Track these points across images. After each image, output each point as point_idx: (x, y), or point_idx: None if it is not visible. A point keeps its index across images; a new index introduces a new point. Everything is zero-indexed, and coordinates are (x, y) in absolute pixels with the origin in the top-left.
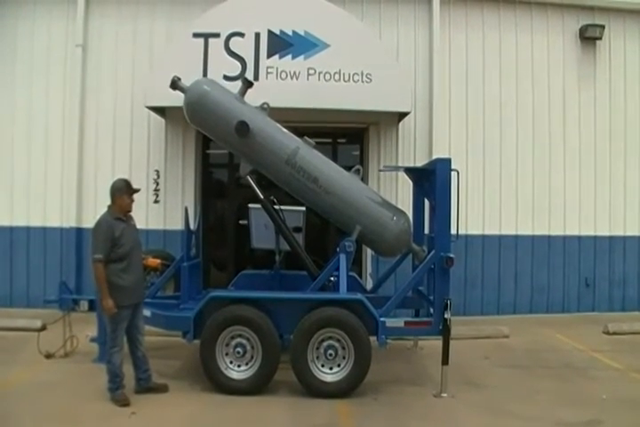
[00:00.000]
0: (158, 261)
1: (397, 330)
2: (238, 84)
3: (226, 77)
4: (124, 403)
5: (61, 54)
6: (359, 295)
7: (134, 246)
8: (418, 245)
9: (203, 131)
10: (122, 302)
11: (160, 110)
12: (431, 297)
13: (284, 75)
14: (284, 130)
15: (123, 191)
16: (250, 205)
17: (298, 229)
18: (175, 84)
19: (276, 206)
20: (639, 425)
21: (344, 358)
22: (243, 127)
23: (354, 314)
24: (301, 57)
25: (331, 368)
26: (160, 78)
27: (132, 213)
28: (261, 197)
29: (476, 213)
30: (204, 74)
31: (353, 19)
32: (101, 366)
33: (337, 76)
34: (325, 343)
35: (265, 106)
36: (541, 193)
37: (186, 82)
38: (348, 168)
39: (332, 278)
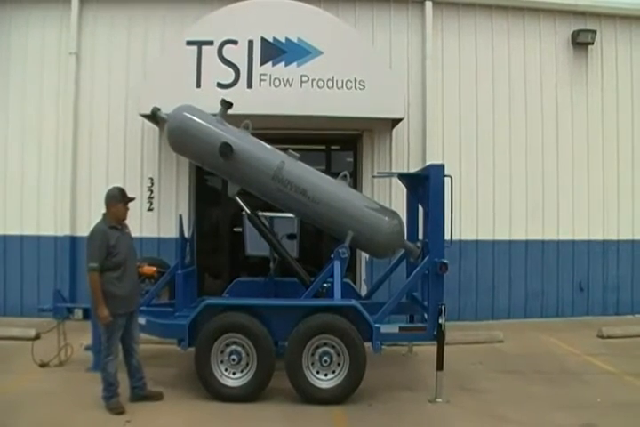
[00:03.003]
0: (154, 268)
1: (392, 336)
2: (232, 91)
3: (219, 85)
4: (118, 411)
5: (55, 62)
6: (353, 302)
7: (129, 255)
8: (412, 243)
9: (187, 157)
10: (117, 311)
11: (154, 118)
12: (425, 303)
13: (277, 82)
14: (268, 146)
15: (117, 200)
16: (244, 213)
17: (292, 236)
18: (155, 115)
19: (271, 214)
20: None
21: (339, 364)
22: (226, 149)
23: (348, 320)
24: (294, 64)
25: (326, 375)
26: (154, 86)
27: (127, 221)
28: (248, 212)
29: (470, 218)
30: (198, 81)
31: (346, 26)
32: (96, 375)
33: (330, 83)
34: (320, 350)
35: (247, 125)
36: (535, 198)
37: (181, 90)
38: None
39: (324, 285)
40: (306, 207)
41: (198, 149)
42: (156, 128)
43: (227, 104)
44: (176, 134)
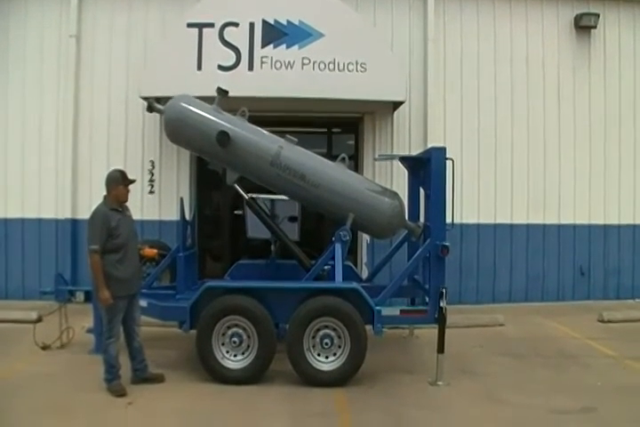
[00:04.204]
0: (155, 251)
1: (393, 319)
2: (233, 74)
3: (220, 67)
4: (120, 393)
5: (55, 45)
6: (355, 284)
7: (130, 237)
8: (413, 222)
9: (185, 147)
10: (118, 293)
11: (155, 100)
12: (427, 286)
13: (278, 64)
14: (265, 132)
15: (118, 182)
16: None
17: (294, 219)
18: (152, 107)
19: (273, 196)
20: (633, 412)
21: (340, 346)
22: (223, 137)
23: (349, 303)
24: (296, 46)
25: (327, 357)
26: (154, 69)
27: (128, 204)
28: (247, 197)
29: (471, 201)
30: (199, 64)
31: (347, 8)
32: (98, 357)
33: (331, 66)
34: (321, 332)
35: (243, 112)
36: (536, 182)
37: (181, 72)
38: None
39: (325, 267)
40: (306, 192)
41: (196, 138)
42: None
43: (223, 92)
44: (173, 125)
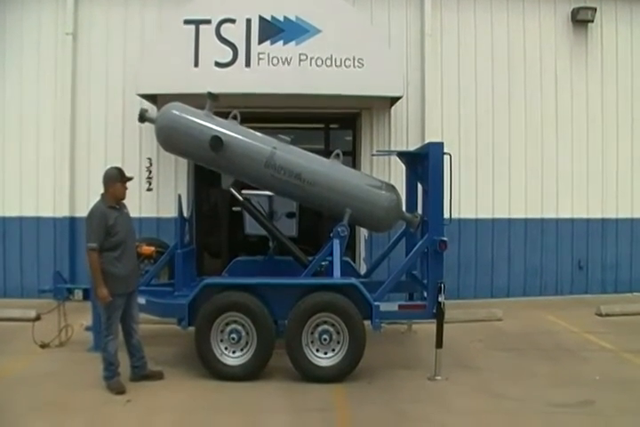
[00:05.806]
0: (152, 248)
1: (391, 314)
2: (230, 70)
3: (217, 64)
4: (119, 391)
5: (51, 43)
6: (353, 280)
7: (128, 235)
8: (410, 213)
9: (179, 155)
10: (116, 291)
11: (152, 98)
12: (425, 281)
13: (275, 61)
14: (258, 134)
15: (116, 179)
16: (243, 192)
17: (292, 215)
18: (144, 116)
19: (267, 192)
20: (630, 405)
21: (338, 342)
22: (216, 142)
23: (348, 298)
24: (293, 42)
25: (325, 353)
26: (151, 66)
27: (125, 202)
28: (241, 199)
29: (469, 196)
30: (196, 61)
31: (344, 3)
32: (96, 355)
33: (329, 62)
34: (320, 328)
35: (235, 115)
36: (534, 176)
37: (178, 69)
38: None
39: (322, 263)
40: (302, 190)
41: (190, 145)
42: (155, 107)
43: (213, 97)
44: (167, 133)
